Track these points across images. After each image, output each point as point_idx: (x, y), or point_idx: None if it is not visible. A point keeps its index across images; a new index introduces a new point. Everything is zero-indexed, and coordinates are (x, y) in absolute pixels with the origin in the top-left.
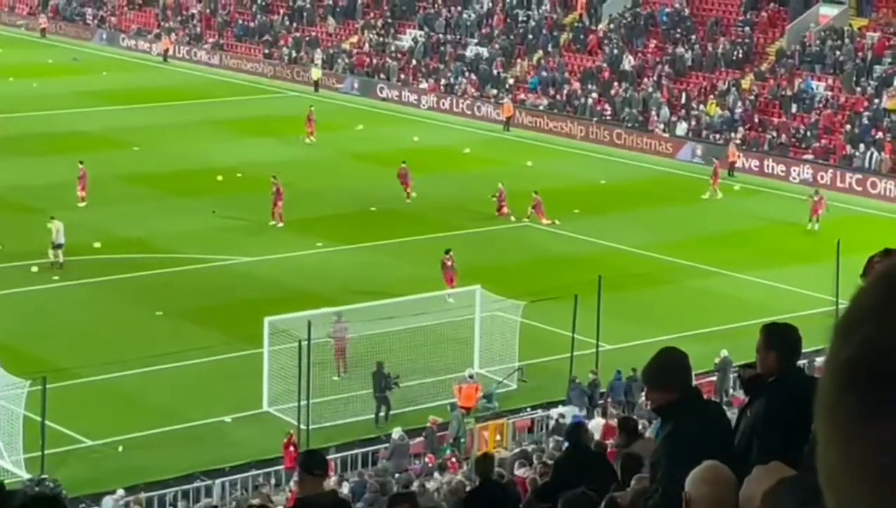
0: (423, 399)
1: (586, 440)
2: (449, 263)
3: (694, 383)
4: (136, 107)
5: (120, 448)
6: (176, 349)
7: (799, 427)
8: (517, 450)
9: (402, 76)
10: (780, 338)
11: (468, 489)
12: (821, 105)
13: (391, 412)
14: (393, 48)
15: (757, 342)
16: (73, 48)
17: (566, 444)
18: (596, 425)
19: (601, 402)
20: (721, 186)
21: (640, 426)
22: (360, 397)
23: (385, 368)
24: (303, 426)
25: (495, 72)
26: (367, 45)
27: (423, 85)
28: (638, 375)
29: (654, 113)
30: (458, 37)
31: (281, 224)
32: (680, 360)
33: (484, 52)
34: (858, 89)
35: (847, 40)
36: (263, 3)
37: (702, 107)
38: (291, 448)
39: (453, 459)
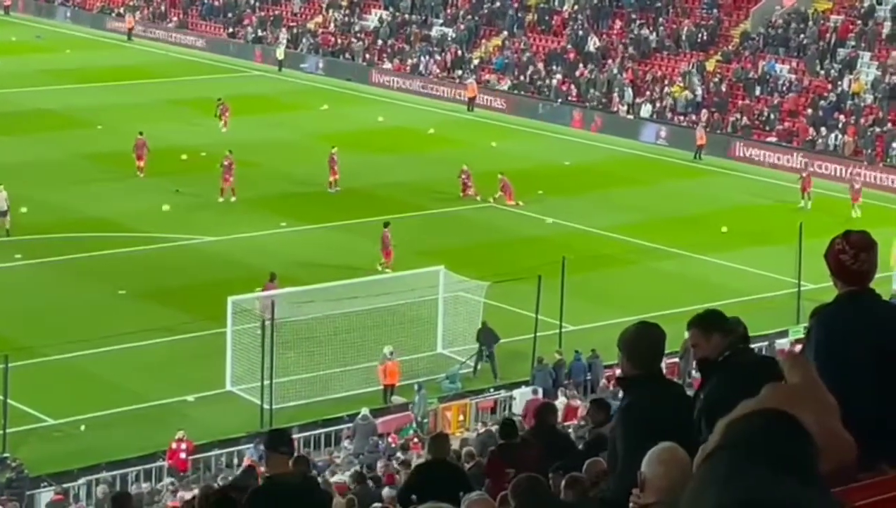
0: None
1: (552, 419)
2: (387, 237)
3: (661, 363)
4: (100, 85)
5: (82, 428)
6: (139, 329)
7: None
8: (482, 430)
9: (368, 56)
10: (715, 319)
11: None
12: (785, 88)
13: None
14: (358, 28)
15: (691, 339)
16: (36, 26)
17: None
18: (559, 405)
19: (566, 382)
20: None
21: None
22: (323, 377)
23: (489, 324)
24: (266, 406)
25: (460, 52)
26: (332, 24)
27: (388, 65)
28: (598, 355)
29: (617, 95)
30: (424, 17)
31: (234, 199)
32: (652, 336)
33: (449, 32)
34: (822, 72)
35: (811, 23)
36: None
37: (666, 89)
38: (175, 446)
39: (416, 440)
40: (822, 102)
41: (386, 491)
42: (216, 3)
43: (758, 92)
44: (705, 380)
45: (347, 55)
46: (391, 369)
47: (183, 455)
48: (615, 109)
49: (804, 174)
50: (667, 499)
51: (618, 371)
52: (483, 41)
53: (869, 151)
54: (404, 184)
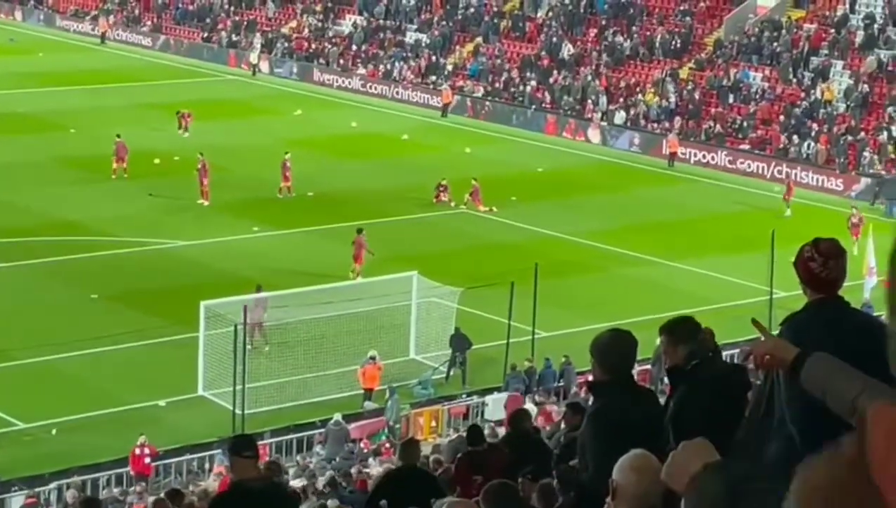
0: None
1: (527, 424)
2: (362, 242)
3: (632, 369)
4: (74, 89)
5: (53, 432)
6: (111, 333)
7: (716, 412)
8: (454, 436)
9: (342, 61)
10: (685, 330)
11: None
12: (758, 96)
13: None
14: (332, 33)
15: (662, 345)
16: (9, 28)
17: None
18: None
19: (536, 389)
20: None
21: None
22: (296, 382)
23: (462, 330)
24: (238, 411)
25: (434, 58)
26: (306, 29)
27: (362, 70)
28: (571, 362)
29: (591, 101)
30: (398, 23)
31: (206, 203)
32: (622, 343)
33: (423, 38)
34: (795, 80)
35: (784, 31)
36: None
37: (640, 96)
38: (139, 452)
39: (387, 445)
40: (794, 111)
41: (331, 503)
42: (190, 8)
43: (731, 100)
44: (674, 388)
45: (321, 60)
46: (370, 373)
47: (147, 461)
48: (589, 115)
49: (788, 182)
50: (638, 507)
51: (590, 377)
52: (457, 47)
53: (841, 159)
54: (377, 189)
